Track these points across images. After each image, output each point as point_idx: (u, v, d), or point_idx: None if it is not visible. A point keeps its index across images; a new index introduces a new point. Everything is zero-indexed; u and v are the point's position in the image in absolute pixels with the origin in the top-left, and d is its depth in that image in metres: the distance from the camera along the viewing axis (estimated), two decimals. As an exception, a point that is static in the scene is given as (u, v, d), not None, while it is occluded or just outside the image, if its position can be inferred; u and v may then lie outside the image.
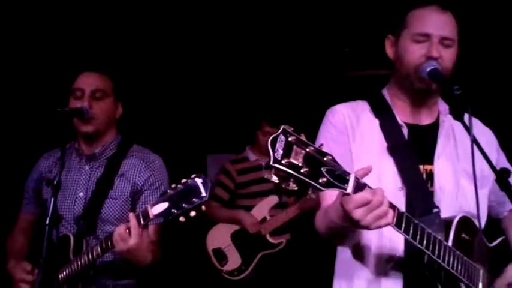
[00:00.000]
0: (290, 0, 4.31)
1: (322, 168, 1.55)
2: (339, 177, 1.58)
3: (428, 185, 2.04)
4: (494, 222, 2.30)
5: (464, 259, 1.91)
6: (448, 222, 1.95)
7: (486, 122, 2.23)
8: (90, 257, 2.51)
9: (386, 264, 2.00)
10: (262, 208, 4.43)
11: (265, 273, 4.43)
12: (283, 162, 1.50)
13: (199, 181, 2.21)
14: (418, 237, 1.77)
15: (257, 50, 4.96)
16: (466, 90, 1.85)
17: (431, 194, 2.02)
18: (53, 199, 2.43)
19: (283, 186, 1.54)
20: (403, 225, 1.73)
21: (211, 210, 4.41)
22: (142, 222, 2.35)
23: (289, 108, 4.84)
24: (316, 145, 1.57)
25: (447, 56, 2.01)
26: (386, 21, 2.17)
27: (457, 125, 2.01)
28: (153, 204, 2.30)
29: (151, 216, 2.31)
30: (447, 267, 1.85)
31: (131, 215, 2.38)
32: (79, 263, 2.55)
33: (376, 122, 2.09)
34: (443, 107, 2.15)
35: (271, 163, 1.50)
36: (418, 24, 2.03)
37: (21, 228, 2.96)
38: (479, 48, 4.11)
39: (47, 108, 2.65)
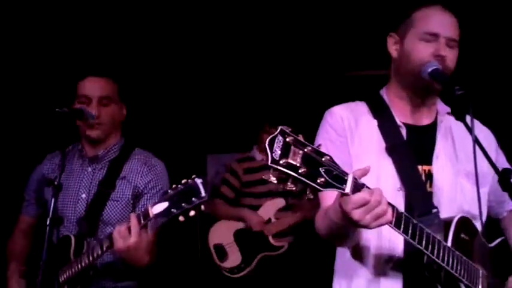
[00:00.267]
0: (291, 2, 4.31)
1: (320, 169, 1.55)
2: (337, 177, 1.57)
3: (427, 186, 2.03)
4: (494, 222, 2.30)
5: (464, 259, 1.91)
6: (447, 222, 1.95)
7: (486, 122, 2.23)
8: (90, 257, 2.51)
9: (385, 265, 2.00)
10: (268, 209, 4.42)
11: (265, 273, 4.42)
12: (281, 162, 1.50)
13: (199, 181, 2.23)
14: (417, 237, 1.77)
15: (257, 50, 4.95)
16: (467, 90, 1.85)
17: (430, 195, 2.02)
18: (53, 199, 2.43)
19: (281, 186, 1.54)
20: (402, 225, 1.73)
21: (216, 207, 4.43)
22: (142, 221, 2.36)
23: (289, 108, 4.83)
24: (314, 146, 1.57)
25: (451, 57, 2.03)
26: (387, 21, 2.17)
27: (455, 124, 2.01)
28: (153, 204, 2.32)
29: (151, 215, 2.32)
30: (446, 268, 1.85)
31: (132, 214, 2.40)
32: (79, 263, 2.55)
33: (375, 122, 2.09)
34: (441, 107, 2.15)
35: (269, 163, 1.49)
36: (426, 23, 2.04)
37: (22, 231, 2.97)
38: (479, 48, 4.10)
39: (48, 109, 2.65)
